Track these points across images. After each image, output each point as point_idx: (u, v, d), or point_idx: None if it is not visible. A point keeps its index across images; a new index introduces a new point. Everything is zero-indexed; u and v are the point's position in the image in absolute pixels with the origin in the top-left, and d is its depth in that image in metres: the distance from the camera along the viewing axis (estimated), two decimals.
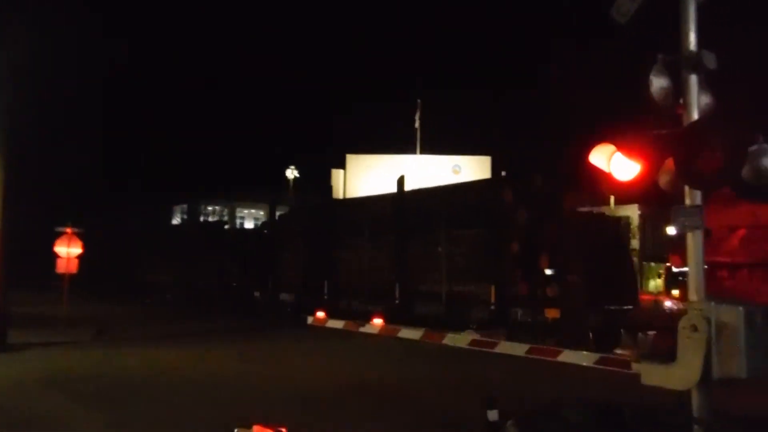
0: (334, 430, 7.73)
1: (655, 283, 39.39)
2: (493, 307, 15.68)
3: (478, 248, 16.85)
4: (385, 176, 57.98)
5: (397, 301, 18.49)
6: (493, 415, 5.11)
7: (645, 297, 24.94)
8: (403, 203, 20.44)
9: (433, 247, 18.18)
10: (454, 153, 60.03)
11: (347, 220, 22.50)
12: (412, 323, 15.05)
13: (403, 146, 58.85)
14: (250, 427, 3.85)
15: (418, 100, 57.26)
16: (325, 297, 21.22)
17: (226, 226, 41.47)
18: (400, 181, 20.91)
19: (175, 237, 37.66)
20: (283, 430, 3.78)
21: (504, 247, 15.70)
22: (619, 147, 5.03)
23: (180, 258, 31.22)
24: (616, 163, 5.09)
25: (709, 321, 4.65)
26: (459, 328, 14.53)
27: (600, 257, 15.04)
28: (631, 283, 16.87)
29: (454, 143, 59.34)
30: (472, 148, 60.01)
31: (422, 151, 59.03)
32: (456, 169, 60.59)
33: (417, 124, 57.15)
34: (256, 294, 26.15)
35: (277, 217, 29.13)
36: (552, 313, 14.41)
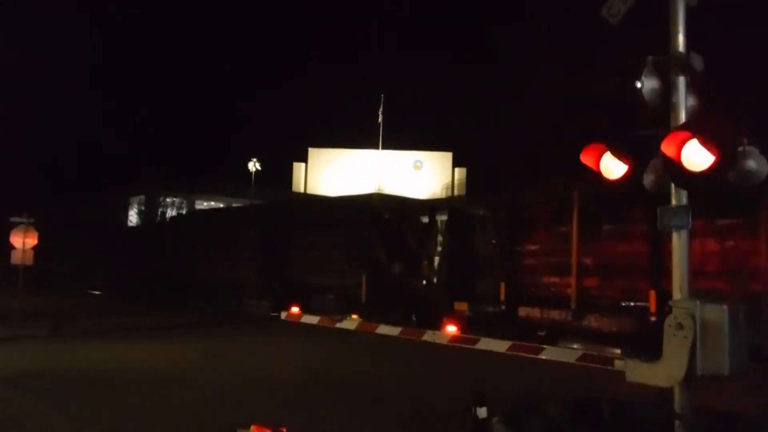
0: (312, 425, 7.65)
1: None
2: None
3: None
4: (347, 170, 58.14)
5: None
6: (482, 412, 5.12)
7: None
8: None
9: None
10: (416, 149, 60.39)
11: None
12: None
13: (366, 141, 58.82)
14: (248, 427, 3.74)
15: (382, 95, 57.33)
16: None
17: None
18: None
19: (126, 229, 37.22)
20: (283, 429, 3.69)
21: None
22: (608, 147, 5.08)
23: (136, 251, 30.80)
24: (605, 163, 5.15)
25: (694, 318, 4.74)
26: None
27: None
28: None
29: (416, 139, 59.58)
30: (434, 144, 60.47)
31: (384, 147, 59.21)
32: (417, 165, 60.94)
33: (380, 119, 57.28)
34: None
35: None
36: None
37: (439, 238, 17.24)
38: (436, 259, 17.02)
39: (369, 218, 20.20)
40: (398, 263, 18.08)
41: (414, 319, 16.07)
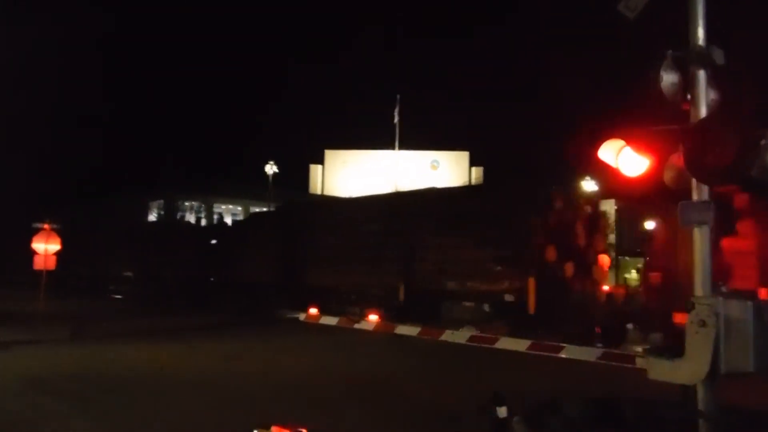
0: (332, 426, 7.66)
1: (630, 277, 39.84)
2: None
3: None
4: (364, 171, 58.19)
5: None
6: (502, 411, 5.08)
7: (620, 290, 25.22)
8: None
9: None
10: (432, 149, 60.28)
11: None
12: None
13: (382, 142, 58.86)
14: (268, 428, 3.74)
15: (398, 96, 57.29)
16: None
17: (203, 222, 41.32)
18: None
19: (149, 233, 37.51)
20: (303, 430, 3.68)
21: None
22: (629, 142, 5.02)
23: (155, 253, 31.10)
24: (624, 159, 5.09)
25: (717, 315, 4.67)
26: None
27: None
28: None
29: (432, 139, 59.53)
30: (451, 144, 60.36)
31: (401, 147, 59.16)
32: (434, 165, 60.81)
33: (396, 120, 57.18)
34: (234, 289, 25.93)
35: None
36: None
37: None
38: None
39: (527, 207, 15.71)
40: (569, 262, 14.39)
41: (599, 335, 12.92)
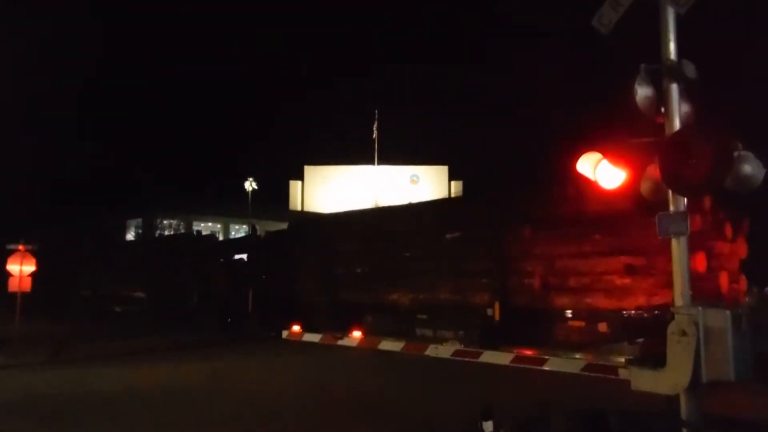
0: None
1: None
2: None
3: None
4: (344, 187, 58.26)
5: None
6: (488, 426, 5.08)
7: None
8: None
9: None
10: (412, 163, 60.61)
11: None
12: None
13: (361, 157, 59.01)
14: None
15: (376, 111, 57.59)
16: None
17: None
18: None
19: (131, 251, 36.84)
20: None
21: None
22: (605, 155, 5.09)
23: (143, 272, 30.49)
24: (601, 171, 5.16)
25: (697, 325, 4.73)
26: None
27: None
28: None
29: (412, 153, 59.84)
30: (430, 158, 60.73)
31: (380, 162, 59.39)
32: (414, 179, 61.09)
33: (375, 135, 57.45)
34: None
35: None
36: None
37: None
38: None
39: None
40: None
41: None
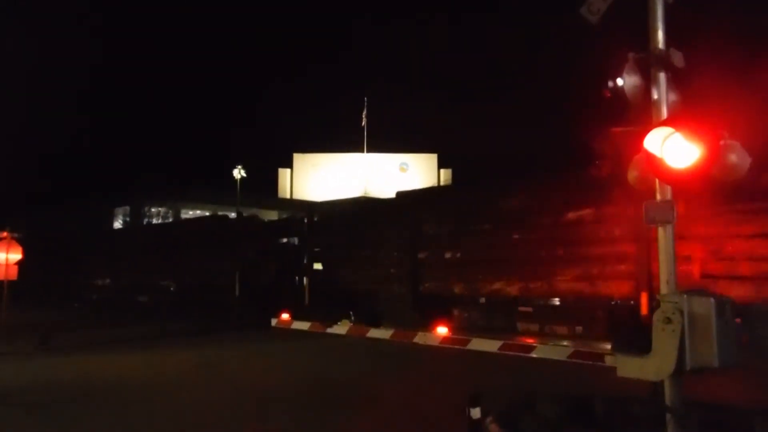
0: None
1: None
2: None
3: None
4: (333, 175, 58.10)
5: None
6: (476, 412, 5.12)
7: None
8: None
9: None
10: (401, 151, 60.50)
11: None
12: None
13: (351, 144, 58.83)
14: None
15: (365, 99, 57.37)
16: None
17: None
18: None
19: (123, 239, 36.73)
20: None
21: None
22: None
23: (129, 260, 30.41)
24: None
25: (682, 312, 4.78)
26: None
27: None
28: None
29: (401, 141, 59.74)
30: (419, 146, 60.66)
31: (369, 150, 59.21)
32: (403, 167, 60.99)
33: (364, 123, 57.27)
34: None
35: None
36: None
37: None
38: None
39: None
40: None
41: None
